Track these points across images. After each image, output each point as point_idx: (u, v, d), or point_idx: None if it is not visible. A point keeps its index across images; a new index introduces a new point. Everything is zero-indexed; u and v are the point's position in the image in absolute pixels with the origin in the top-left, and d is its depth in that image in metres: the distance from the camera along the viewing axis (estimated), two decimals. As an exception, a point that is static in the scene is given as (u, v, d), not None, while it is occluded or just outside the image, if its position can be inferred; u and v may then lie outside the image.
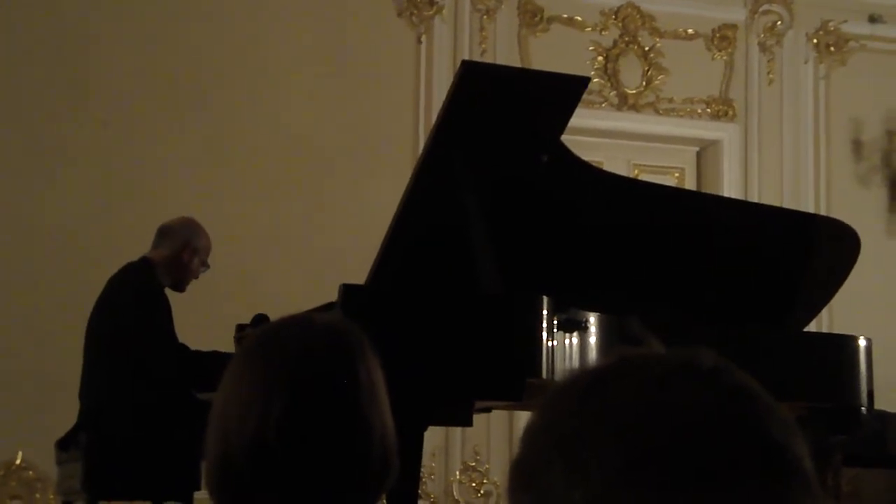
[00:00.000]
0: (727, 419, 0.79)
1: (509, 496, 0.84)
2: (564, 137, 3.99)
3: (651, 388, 0.80)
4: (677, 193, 5.22)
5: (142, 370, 4.60)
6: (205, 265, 4.92)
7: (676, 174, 7.54)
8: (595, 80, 7.02)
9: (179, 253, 4.84)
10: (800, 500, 0.78)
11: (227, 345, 4.63)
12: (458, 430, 6.50)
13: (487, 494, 6.79)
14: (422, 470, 4.19)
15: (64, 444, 4.73)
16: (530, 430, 0.84)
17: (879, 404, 4.41)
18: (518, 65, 6.79)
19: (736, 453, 0.78)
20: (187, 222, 4.95)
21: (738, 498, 0.77)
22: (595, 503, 0.78)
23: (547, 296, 3.56)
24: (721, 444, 0.78)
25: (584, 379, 0.83)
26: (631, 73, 7.31)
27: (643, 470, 0.77)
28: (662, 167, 7.49)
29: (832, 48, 7.63)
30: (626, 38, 7.32)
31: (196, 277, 4.93)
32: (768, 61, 7.53)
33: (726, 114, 7.45)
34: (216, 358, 4.53)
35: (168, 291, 4.83)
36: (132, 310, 4.67)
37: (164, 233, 4.90)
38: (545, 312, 3.53)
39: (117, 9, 6.50)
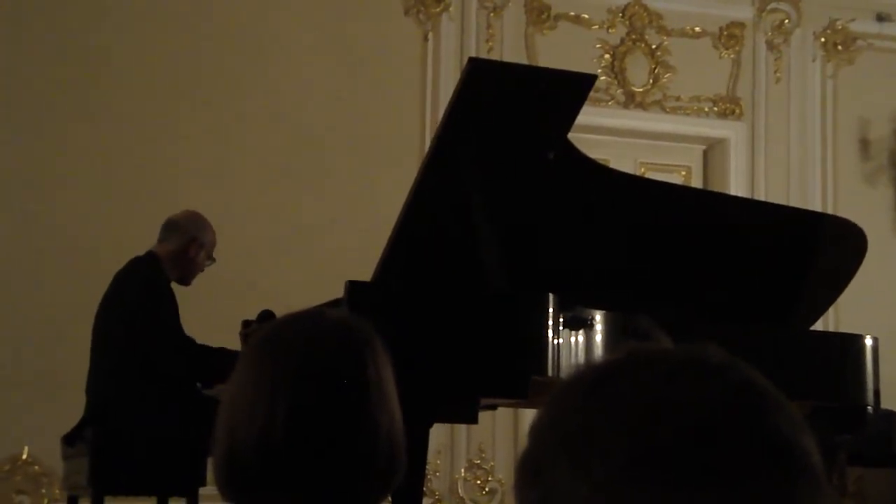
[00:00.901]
0: (735, 415, 0.79)
1: (515, 492, 0.84)
2: (571, 135, 3.99)
3: (657, 383, 0.80)
4: (684, 192, 5.21)
5: (148, 364, 4.60)
6: (210, 259, 4.93)
7: (683, 172, 7.53)
8: (602, 77, 7.01)
9: (185, 247, 4.85)
10: (808, 497, 0.78)
11: (232, 341, 4.63)
12: (463, 427, 6.50)
13: (492, 492, 6.79)
14: (427, 467, 4.19)
15: (70, 440, 4.73)
16: (536, 427, 0.84)
17: (886, 403, 4.40)
18: (525, 62, 6.78)
19: (743, 449, 0.78)
20: (193, 216, 4.96)
21: (745, 495, 0.77)
22: (600, 500, 0.78)
23: (553, 293, 3.56)
24: (728, 440, 0.78)
25: (590, 375, 0.83)
26: (638, 71, 7.30)
27: (648, 466, 0.77)
28: (669, 165, 7.48)
29: (840, 47, 7.62)
30: (634, 36, 7.31)
31: (202, 271, 4.94)
32: (776, 60, 7.52)
33: (733, 112, 7.44)
34: (224, 355, 4.53)
35: (173, 285, 4.83)
36: (139, 304, 4.67)
37: (170, 227, 4.90)
38: (551, 310, 3.53)
39: (122, 4, 6.50)
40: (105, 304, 4.79)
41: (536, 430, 0.83)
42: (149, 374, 4.59)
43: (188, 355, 4.66)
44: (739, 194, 7.02)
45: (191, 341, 4.74)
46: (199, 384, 4.63)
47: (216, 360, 4.56)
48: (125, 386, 4.60)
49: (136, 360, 4.60)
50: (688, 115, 7.38)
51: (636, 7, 7.31)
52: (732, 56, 7.46)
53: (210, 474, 4.09)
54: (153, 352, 4.61)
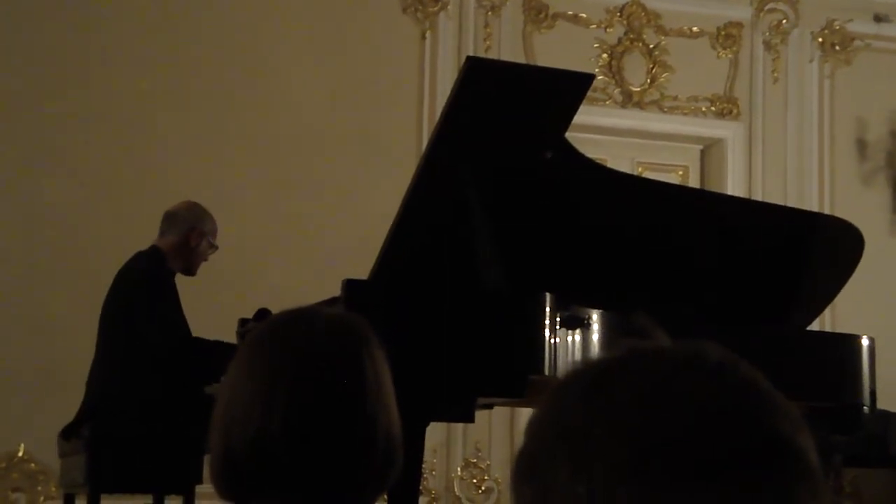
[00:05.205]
0: (732, 413, 0.79)
1: (512, 487, 0.84)
2: (568, 134, 3.99)
3: (656, 381, 0.80)
4: (681, 191, 5.21)
5: (145, 360, 4.60)
6: (213, 247, 4.95)
7: (680, 172, 7.54)
8: (599, 77, 7.01)
9: (187, 237, 4.88)
10: (805, 496, 0.78)
11: (229, 338, 4.63)
12: (459, 426, 6.50)
13: (488, 491, 6.79)
14: (423, 466, 4.19)
15: (67, 434, 4.72)
16: (534, 423, 0.84)
17: (882, 404, 4.40)
18: (523, 61, 6.78)
19: (741, 447, 0.78)
20: (190, 206, 4.99)
21: (743, 492, 0.77)
22: (599, 496, 0.78)
23: (550, 292, 3.56)
24: (726, 438, 0.78)
25: (590, 372, 0.83)
26: (635, 71, 7.31)
27: (647, 464, 0.77)
28: (666, 165, 7.48)
29: (837, 47, 7.62)
30: (631, 36, 7.31)
31: (206, 260, 4.96)
32: (773, 60, 7.52)
33: (731, 112, 7.45)
34: (221, 348, 4.53)
35: (179, 279, 4.85)
36: (136, 298, 4.68)
37: (169, 219, 4.92)
38: (548, 309, 3.53)
39: (120, 4, 6.50)
40: (108, 299, 4.80)
41: (534, 427, 0.83)
42: (146, 369, 4.59)
43: (189, 348, 4.67)
44: (736, 194, 7.02)
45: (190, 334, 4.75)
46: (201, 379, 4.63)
47: (214, 353, 4.55)
48: (122, 382, 4.60)
49: (133, 355, 4.60)
50: (685, 114, 7.39)
51: (634, 6, 7.31)
52: (730, 56, 7.47)
53: (206, 472, 4.08)
54: (152, 345, 4.61)
